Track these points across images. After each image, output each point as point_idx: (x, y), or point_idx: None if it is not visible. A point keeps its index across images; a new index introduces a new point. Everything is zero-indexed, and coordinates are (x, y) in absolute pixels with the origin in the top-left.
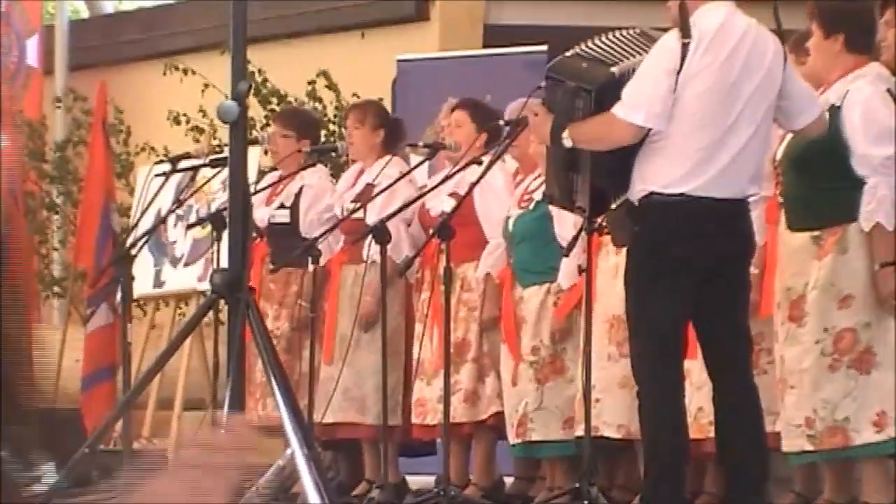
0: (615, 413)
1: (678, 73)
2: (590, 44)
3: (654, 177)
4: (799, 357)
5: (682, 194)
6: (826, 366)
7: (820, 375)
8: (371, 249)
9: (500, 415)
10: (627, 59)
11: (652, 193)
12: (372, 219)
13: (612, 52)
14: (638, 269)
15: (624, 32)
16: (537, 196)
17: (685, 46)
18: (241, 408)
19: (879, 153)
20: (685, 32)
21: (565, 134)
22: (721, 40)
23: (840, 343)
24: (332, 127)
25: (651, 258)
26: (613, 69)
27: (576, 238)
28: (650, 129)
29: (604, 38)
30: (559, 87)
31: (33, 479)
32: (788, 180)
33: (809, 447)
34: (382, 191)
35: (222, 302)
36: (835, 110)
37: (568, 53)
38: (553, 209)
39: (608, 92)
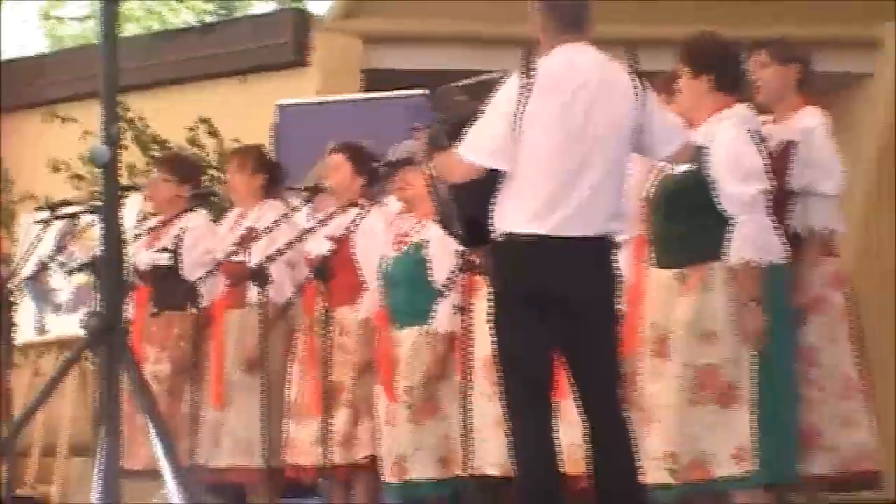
0: (495, 452)
1: (516, 113)
2: (481, 78)
3: (506, 218)
4: (663, 392)
5: (534, 234)
6: (690, 401)
7: (684, 411)
8: (255, 292)
9: (375, 458)
10: None
11: (507, 234)
12: (255, 261)
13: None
14: (497, 308)
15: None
16: (412, 239)
17: (524, 87)
18: (118, 452)
19: (748, 191)
20: (525, 73)
21: (431, 162)
22: (564, 80)
23: (704, 379)
24: (213, 172)
25: (507, 296)
26: (481, 106)
27: (451, 278)
28: (500, 171)
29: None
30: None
31: None
32: (656, 219)
33: (671, 481)
34: (264, 233)
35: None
36: (702, 150)
37: (457, 84)
38: (428, 254)
39: (468, 127)
